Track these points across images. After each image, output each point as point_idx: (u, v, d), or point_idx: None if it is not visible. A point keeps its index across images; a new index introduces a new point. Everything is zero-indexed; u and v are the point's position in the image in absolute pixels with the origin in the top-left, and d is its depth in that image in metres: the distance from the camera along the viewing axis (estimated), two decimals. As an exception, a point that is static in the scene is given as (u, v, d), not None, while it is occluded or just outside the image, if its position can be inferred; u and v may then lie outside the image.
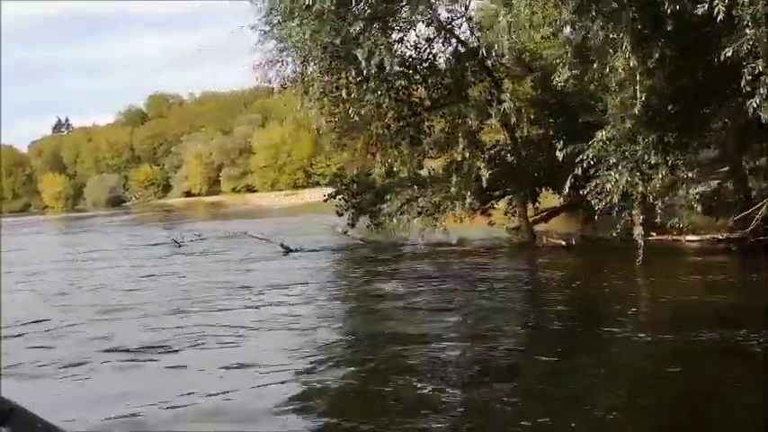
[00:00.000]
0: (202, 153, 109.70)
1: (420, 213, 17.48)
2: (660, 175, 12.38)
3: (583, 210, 17.65)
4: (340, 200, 22.58)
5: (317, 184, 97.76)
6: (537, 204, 20.06)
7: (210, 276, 17.70)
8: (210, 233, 30.66)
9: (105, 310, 13.43)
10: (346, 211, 22.17)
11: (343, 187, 23.17)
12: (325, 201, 23.75)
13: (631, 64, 10.47)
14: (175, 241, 26.54)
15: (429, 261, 17.80)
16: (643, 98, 10.83)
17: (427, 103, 18.42)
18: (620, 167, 12.58)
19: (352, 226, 22.32)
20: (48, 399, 7.78)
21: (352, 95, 15.81)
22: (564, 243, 17.80)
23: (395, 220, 17.85)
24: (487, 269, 16.01)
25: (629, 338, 9.25)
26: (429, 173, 19.74)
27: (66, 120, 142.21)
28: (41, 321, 12.72)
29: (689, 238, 16.12)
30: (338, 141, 20.27)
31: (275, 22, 16.45)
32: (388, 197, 17.64)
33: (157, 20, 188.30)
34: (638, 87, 10.81)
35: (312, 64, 15.82)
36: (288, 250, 21.70)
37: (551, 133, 17.99)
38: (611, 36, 10.56)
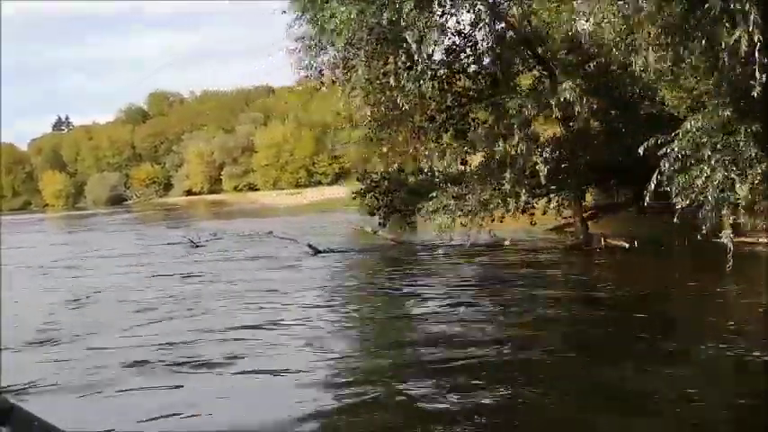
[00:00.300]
0: (204, 151, 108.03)
1: (471, 211, 15.88)
2: (760, 170, 10.87)
3: (639, 209, 16.15)
4: (370, 198, 21.05)
5: (319, 183, 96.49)
6: (584, 202, 18.57)
7: (241, 277, 16.17)
8: (225, 232, 29.09)
9: (151, 316, 11.94)
10: (377, 210, 20.65)
11: (373, 184, 21.68)
12: (354, 198, 22.26)
13: (755, 39, 8.94)
14: (191, 241, 24.98)
15: (486, 263, 16.40)
16: (764, 78, 9.27)
17: (471, 93, 16.87)
18: (713, 161, 11.06)
19: (384, 225, 20.82)
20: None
21: (402, 83, 14.22)
22: (626, 245, 16.20)
23: (438, 218, 16.23)
24: (555, 273, 14.53)
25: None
26: (465, 169, 18.17)
27: (67, 118, 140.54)
28: (83, 326, 11.35)
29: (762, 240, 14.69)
30: (375, 134, 18.56)
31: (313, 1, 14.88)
32: (435, 194, 16.03)
33: (157, 20, 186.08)
34: (756, 67, 9.25)
35: (357, 48, 14.24)
36: (316, 251, 20.19)
37: (609, 126, 16.51)
38: (733, 6, 9.01)
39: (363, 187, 22.01)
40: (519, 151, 14.59)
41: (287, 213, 42.27)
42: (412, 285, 14.23)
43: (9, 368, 8.37)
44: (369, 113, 16.11)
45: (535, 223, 19.59)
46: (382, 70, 14.70)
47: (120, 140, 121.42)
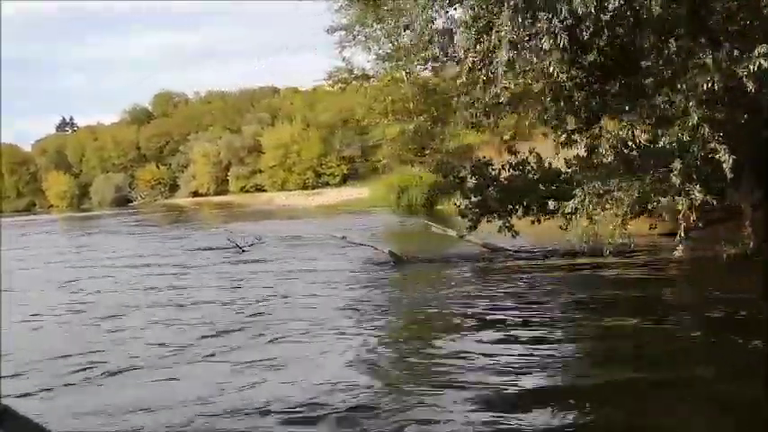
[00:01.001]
0: (210, 152, 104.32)
1: (625, 213, 12.38)
2: None
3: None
4: (463, 197, 17.51)
5: (327, 184, 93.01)
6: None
7: (320, 292, 12.74)
8: (266, 236, 25.55)
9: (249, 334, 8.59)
10: (469, 210, 17.14)
11: (457, 181, 18.20)
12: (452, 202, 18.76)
13: None
14: (237, 245, 21.49)
15: (630, 276, 13.06)
16: None
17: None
18: None
19: (474, 228, 17.34)
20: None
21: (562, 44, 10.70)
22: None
23: (575, 219, 12.82)
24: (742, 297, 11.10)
25: None
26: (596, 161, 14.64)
27: (71, 119, 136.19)
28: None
29: None
30: (476, 120, 14.99)
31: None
32: (577, 192, 12.51)
33: (157, 20, 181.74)
34: None
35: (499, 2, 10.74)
36: (398, 259, 16.75)
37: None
38: None
39: (453, 182, 18.52)
40: (697, 135, 11.13)
41: (317, 214, 38.86)
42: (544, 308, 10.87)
43: None
44: (499, 90, 12.44)
45: (655, 226, 16.27)
46: (534, 30, 11.12)
47: (125, 141, 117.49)
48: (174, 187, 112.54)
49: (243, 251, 20.91)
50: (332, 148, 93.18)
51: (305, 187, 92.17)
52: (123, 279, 17.46)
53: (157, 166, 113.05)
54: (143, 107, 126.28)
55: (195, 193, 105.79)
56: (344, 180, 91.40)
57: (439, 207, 33.34)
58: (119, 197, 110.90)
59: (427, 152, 35.11)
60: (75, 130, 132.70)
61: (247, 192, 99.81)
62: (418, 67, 35.55)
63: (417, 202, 33.91)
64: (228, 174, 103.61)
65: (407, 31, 14.51)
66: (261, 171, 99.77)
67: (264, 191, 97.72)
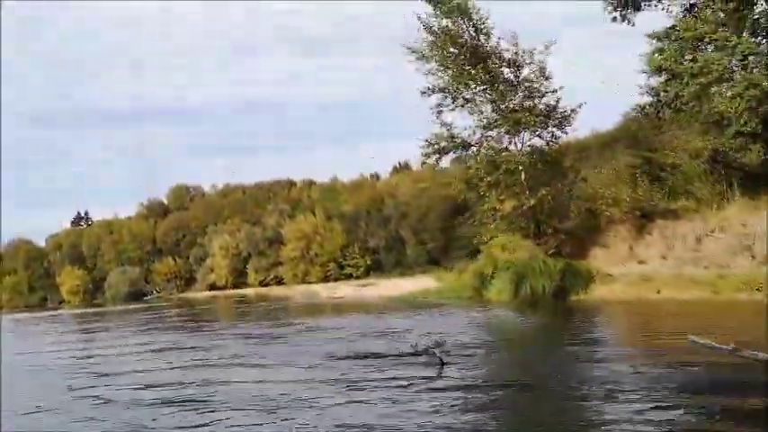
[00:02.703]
0: (229, 244, 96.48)
1: None
2: None
3: None
4: None
5: (350, 276, 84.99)
6: None
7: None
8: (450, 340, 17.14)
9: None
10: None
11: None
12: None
13: None
14: (437, 356, 13.32)
15: None
16: None
17: None
18: None
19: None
20: None
21: None
22: None
23: None
24: None
25: None
26: None
27: (86, 213, 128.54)
28: None
29: None
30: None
31: None
32: None
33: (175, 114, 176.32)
34: None
35: None
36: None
37: None
38: None
39: None
40: None
41: (400, 308, 30.49)
42: None
43: None
44: None
45: None
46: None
47: (142, 234, 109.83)
48: (189, 281, 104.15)
49: (444, 363, 12.99)
50: (355, 239, 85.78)
51: (326, 279, 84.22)
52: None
53: (174, 260, 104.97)
54: (159, 200, 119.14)
55: (213, 287, 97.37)
56: (368, 272, 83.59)
57: (574, 298, 25.58)
58: (133, 291, 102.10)
59: (549, 231, 27.56)
60: (89, 225, 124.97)
61: (267, 285, 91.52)
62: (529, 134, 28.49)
63: (545, 292, 25.94)
64: (247, 266, 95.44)
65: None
66: (281, 263, 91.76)
67: (284, 283, 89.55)
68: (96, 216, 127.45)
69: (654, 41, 26.52)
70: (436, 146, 28.85)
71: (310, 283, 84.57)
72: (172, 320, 38.81)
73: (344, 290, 53.25)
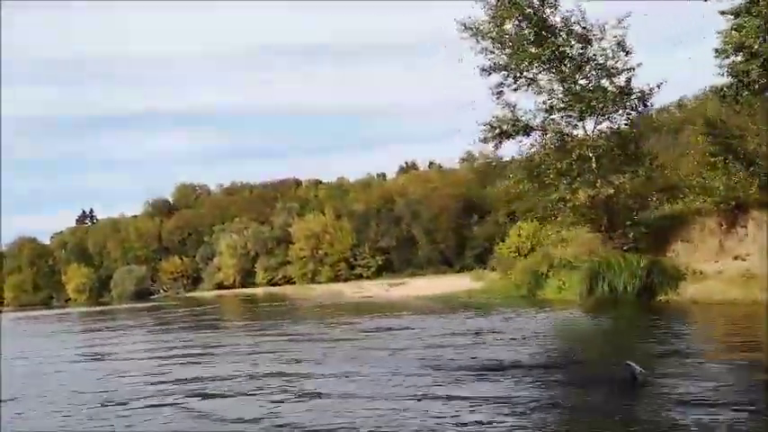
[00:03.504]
0: (237, 243, 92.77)
1: None
2: None
3: None
4: None
5: (361, 276, 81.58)
6: None
7: None
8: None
9: None
10: None
11: None
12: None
13: None
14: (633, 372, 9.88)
15: None
16: None
17: None
18: None
19: None
20: None
21: None
22: None
23: None
24: None
25: None
26: None
27: (91, 211, 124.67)
28: None
29: None
30: None
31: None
32: None
33: (183, 117, 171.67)
34: None
35: None
36: None
37: None
38: None
39: None
40: None
41: (449, 309, 26.97)
42: None
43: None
44: None
45: None
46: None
47: (148, 233, 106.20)
48: (196, 280, 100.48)
49: (635, 379, 9.63)
50: (365, 239, 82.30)
51: (336, 279, 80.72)
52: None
53: (180, 258, 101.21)
54: (164, 199, 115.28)
55: (220, 286, 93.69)
56: (378, 272, 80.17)
57: (662, 298, 22.23)
58: (140, 290, 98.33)
59: (628, 223, 24.10)
60: (94, 223, 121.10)
61: (275, 284, 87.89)
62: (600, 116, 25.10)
63: (627, 291, 22.51)
64: (255, 265, 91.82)
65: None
66: (290, 262, 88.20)
67: (293, 283, 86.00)
68: (100, 215, 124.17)
69: (732, 18, 23.30)
70: (497, 129, 25.33)
71: (320, 282, 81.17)
72: (204, 319, 35.12)
73: (372, 289, 49.43)
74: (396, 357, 13.97)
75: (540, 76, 25.30)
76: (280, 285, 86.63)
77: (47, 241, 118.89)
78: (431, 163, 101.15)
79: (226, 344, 20.46)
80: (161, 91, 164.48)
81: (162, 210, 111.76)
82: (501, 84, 25.61)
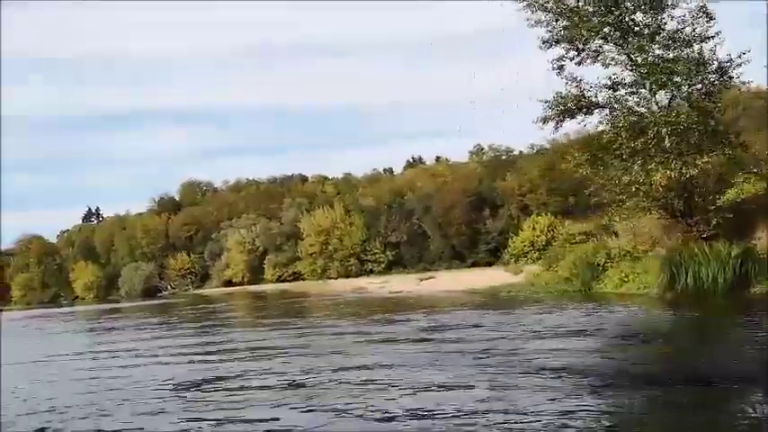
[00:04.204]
0: (245, 239, 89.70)
1: None
2: None
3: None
4: None
5: (371, 271, 78.69)
6: None
7: None
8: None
9: None
10: None
11: None
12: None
13: None
14: None
15: None
16: None
17: None
18: None
19: None
20: None
21: None
22: None
23: None
24: None
25: None
26: None
27: (97, 209, 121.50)
28: None
29: None
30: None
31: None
32: None
33: (182, 115, 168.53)
34: None
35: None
36: None
37: None
38: None
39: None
40: None
41: (514, 305, 23.94)
42: None
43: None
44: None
45: None
46: None
47: (155, 230, 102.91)
48: (204, 277, 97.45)
49: None
50: (376, 234, 79.29)
51: (347, 275, 77.70)
52: None
53: (188, 255, 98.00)
54: (170, 196, 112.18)
55: (228, 283, 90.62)
56: (389, 267, 77.24)
57: (755, 290, 19.44)
58: (148, 287, 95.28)
59: (711, 207, 21.29)
60: (101, 221, 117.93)
61: (284, 280, 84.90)
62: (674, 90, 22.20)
63: (717, 283, 19.70)
64: (264, 261, 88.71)
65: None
66: (299, 259, 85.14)
67: (303, 279, 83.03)
68: (106, 213, 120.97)
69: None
70: (561, 107, 22.47)
71: (330, 278, 78.30)
72: (235, 317, 32.23)
73: (399, 285, 46.21)
74: (505, 359, 11.18)
75: (605, 47, 22.45)
76: (289, 282, 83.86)
77: (53, 239, 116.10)
78: (438, 158, 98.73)
79: (289, 345, 17.41)
80: (159, 90, 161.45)
81: (168, 207, 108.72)
82: (562, 57, 22.77)
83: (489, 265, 63.24)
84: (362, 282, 59.33)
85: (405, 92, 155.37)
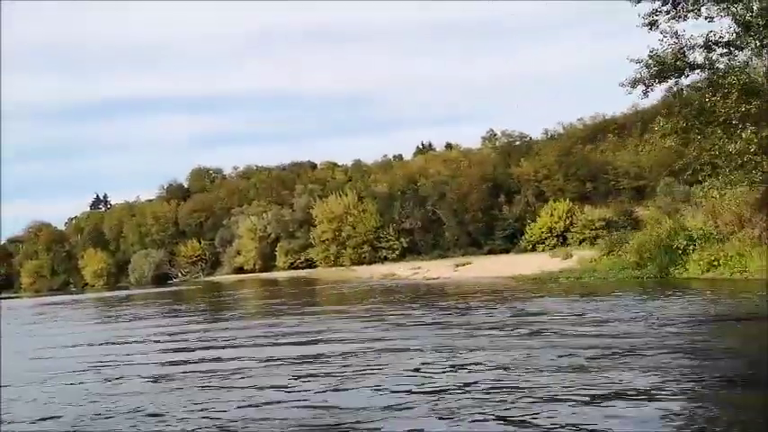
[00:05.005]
0: (256, 226, 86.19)
1: None
2: None
3: None
4: None
5: (386, 258, 75.47)
6: None
7: None
8: None
9: None
10: None
11: None
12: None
13: None
14: None
15: None
16: None
17: None
18: None
19: None
20: None
21: None
22: None
23: None
24: None
25: None
26: None
27: (105, 196, 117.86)
28: None
29: None
30: None
31: None
32: None
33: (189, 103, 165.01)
34: None
35: None
36: None
37: None
38: None
39: None
40: None
41: (588, 293, 20.68)
42: None
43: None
44: None
45: None
46: None
47: (164, 217, 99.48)
48: (214, 264, 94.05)
49: None
50: (390, 220, 75.82)
51: (360, 262, 74.35)
52: None
53: (199, 242, 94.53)
54: (179, 183, 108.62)
55: (240, 270, 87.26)
56: (403, 254, 73.80)
57: None
58: (158, 274, 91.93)
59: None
60: (108, 208, 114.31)
61: (296, 267, 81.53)
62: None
63: None
64: (276, 248, 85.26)
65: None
66: (312, 245, 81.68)
67: (315, 266, 79.65)
68: (114, 200, 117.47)
69: None
70: (659, 66, 19.05)
71: (342, 265, 75.05)
72: (270, 305, 28.89)
73: (434, 271, 42.77)
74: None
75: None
76: (301, 269, 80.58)
77: (62, 227, 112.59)
78: (448, 144, 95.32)
79: (360, 338, 14.07)
80: (167, 75, 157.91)
81: (176, 194, 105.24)
82: (655, 11, 19.35)
83: (506, 252, 60.60)
84: (388, 268, 55.82)
85: (411, 78, 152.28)
